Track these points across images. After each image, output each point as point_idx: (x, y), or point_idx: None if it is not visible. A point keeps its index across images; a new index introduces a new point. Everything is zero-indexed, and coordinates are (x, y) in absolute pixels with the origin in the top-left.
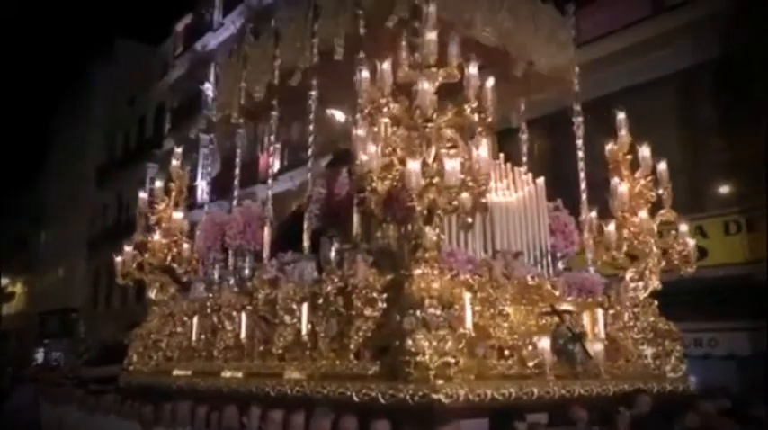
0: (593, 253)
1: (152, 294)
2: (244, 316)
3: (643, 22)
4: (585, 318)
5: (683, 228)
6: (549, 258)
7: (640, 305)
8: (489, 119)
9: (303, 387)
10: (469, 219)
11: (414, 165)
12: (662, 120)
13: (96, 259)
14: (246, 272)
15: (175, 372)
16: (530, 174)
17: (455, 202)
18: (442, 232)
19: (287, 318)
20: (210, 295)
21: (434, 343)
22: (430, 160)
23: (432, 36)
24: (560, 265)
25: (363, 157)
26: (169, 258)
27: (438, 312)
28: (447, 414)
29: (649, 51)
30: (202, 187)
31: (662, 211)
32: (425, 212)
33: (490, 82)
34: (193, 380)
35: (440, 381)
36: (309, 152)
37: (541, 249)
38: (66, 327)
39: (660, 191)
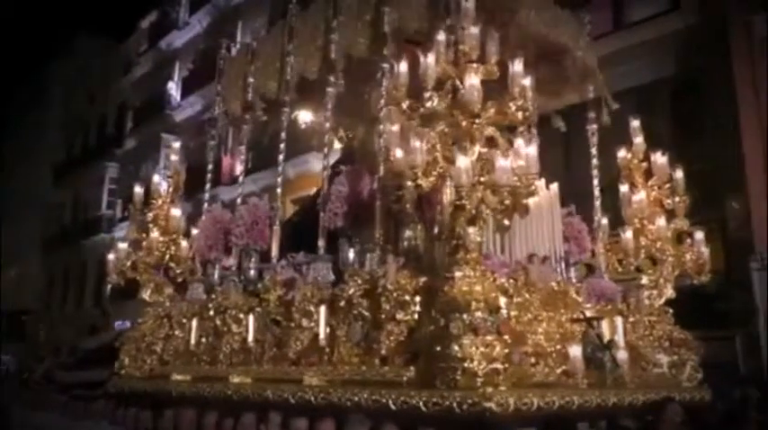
0: (605, 260)
1: (146, 295)
2: (252, 318)
3: (605, 37)
4: (605, 326)
5: (699, 236)
6: (563, 265)
7: (656, 313)
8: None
9: (329, 394)
10: (507, 222)
11: (464, 162)
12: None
13: (51, 260)
14: (252, 272)
15: (174, 377)
16: (542, 180)
17: (507, 201)
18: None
19: (304, 322)
20: (213, 296)
21: (482, 348)
22: (473, 158)
23: (474, 30)
24: (573, 272)
25: (399, 153)
26: (167, 257)
27: (486, 316)
28: (497, 424)
29: (612, 66)
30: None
31: (676, 219)
32: (473, 212)
33: (529, 80)
34: (197, 386)
35: (489, 389)
36: (325, 150)
37: (556, 256)
38: (17, 330)
39: (677, 199)
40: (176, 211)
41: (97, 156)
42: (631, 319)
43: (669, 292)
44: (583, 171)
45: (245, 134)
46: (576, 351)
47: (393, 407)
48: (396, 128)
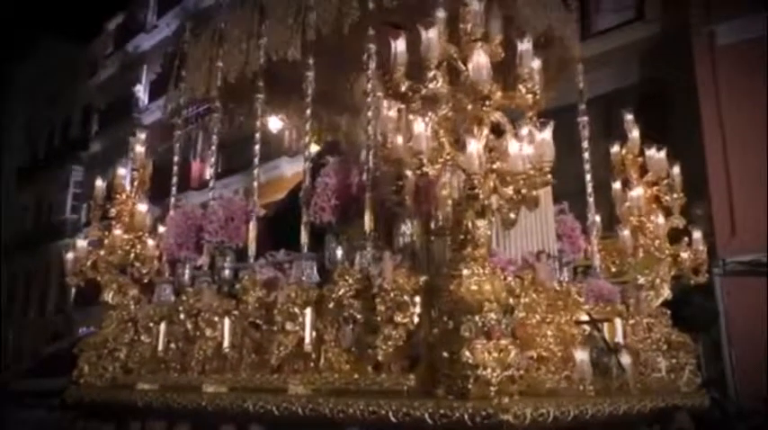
0: (599, 259)
1: (108, 297)
2: (227, 322)
3: None
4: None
5: (697, 234)
6: (557, 265)
7: (653, 315)
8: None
9: (319, 405)
10: (513, 215)
11: (475, 147)
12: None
13: (13, 265)
14: (227, 272)
15: (140, 386)
16: None
17: (524, 191)
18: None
19: (288, 325)
20: (184, 298)
21: (495, 354)
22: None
23: (476, 7)
24: (566, 272)
25: (398, 140)
26: (131, 256)
27: (501, 318)
28: None
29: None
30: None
31: (672, 217)
32: (484, 203)
33: (537, 63)
34: (167, 396)
35: (506, 399)
36: (307, 139)
37: (549, 254)
38: None
39: (675, 196)
40: (142, 207)
41: (62, 159)
42: (631, 322)
43: (666, 293)
44: (572, 167)
45: (215, 124)
46: (582, 355)
47: (393, 419)
48: (393, 113)
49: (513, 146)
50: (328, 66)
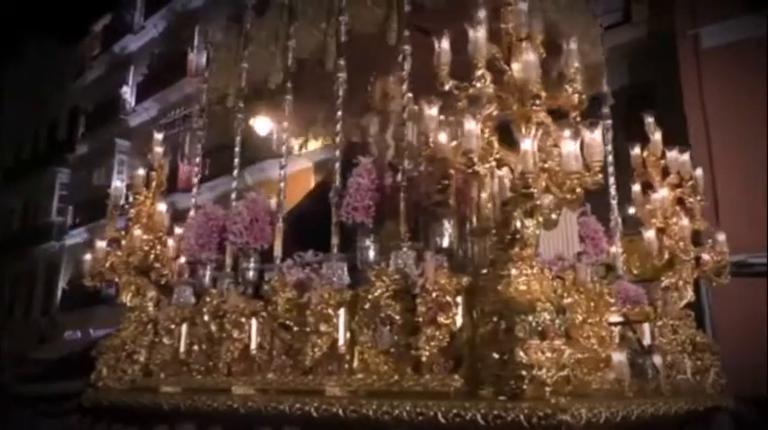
0: (622, 261)
1: (126, 298)
2: (255, 323)
3: None
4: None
5: (721, 237)
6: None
7: (678, 317)
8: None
9: (361, 406)
10: (554, 215)
11: (529, 145)
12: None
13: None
14: (251, 274)
15: (164, 389)
16: None
17: (578, 190)
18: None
19: (322, 326)
20: (208, 300)
21: (549, 354)
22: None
23: (522, 6)
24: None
25: (442, 138)
26: (151, 257)
27: (555, 318)
28: None
29: None
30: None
31: (694, 220)
32: (534, 203)
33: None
34: (195, 399)
35: (563, 399)
36: (337, 139)
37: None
38: None
39: (698, 197)
40: (162, 207)
41: (48, 161)
42: (659, 323)
43: (689, 295)
44: None
45: (239, 125)
46: (620, 356)
47: (443, 420)
48: (434, 111)
49: (567, 145)
50: (349, 67)
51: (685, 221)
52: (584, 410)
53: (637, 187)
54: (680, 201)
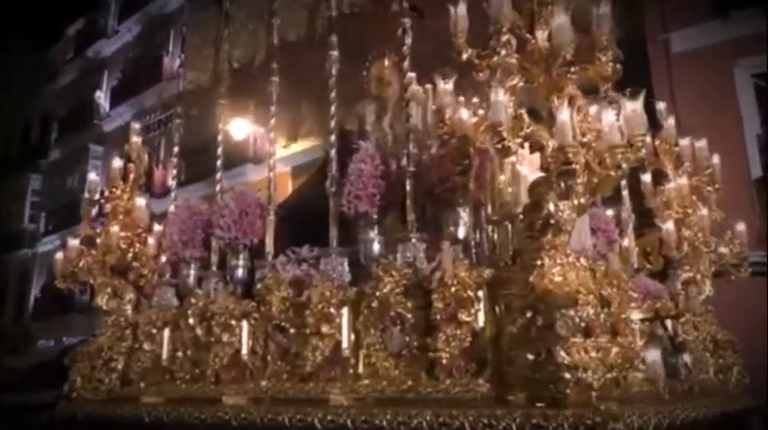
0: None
1: (102, 301)
2: (246, 326)
3: None
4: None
5: (741, 227)
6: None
7: (699, 313)
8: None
9: (373, 416)
10: (584, 200)
11: (567, 116)
12: None
13: None
14: (240, 272)
15: (145, 399)
16: None
17: (623, 165)
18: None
19: (324, 328)
20: (193, 301)
21: (594, 353)
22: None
23: None
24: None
25: (463, 114)
26: (130, 256)
27: (600, 312)
28: None
29: None
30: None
31: (713, 210)
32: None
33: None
34: (180, 410)
35: (614, 406)
36: (332, 123)
37: (583, 249)
38: None
39: (716, 186)
40: (141, 202)
41: (19, 166)
42: (682, 320)
43: (708, 289)
44: None
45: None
46: (654, 355)
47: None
48: (449, 86)
49: (608, 116)
50: (341, 51)
51: (705, 211)
52: (635, 417)
53: (647, 177)
54: (695, 191)
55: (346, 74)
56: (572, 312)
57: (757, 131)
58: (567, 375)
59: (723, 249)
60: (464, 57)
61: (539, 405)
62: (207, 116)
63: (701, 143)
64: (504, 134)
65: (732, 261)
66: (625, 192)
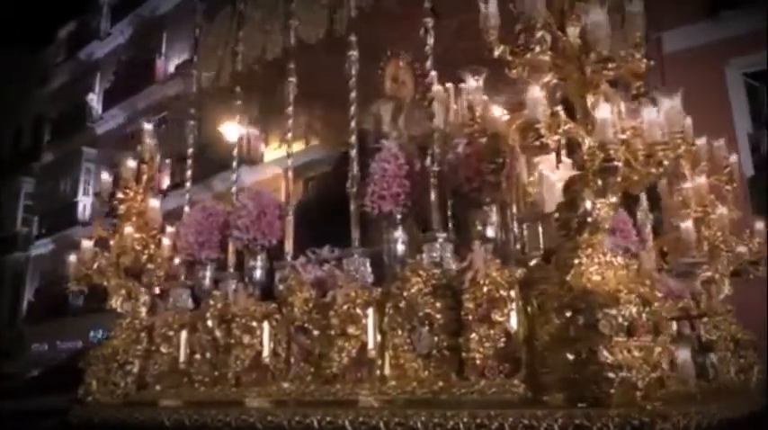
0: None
1: (116, 304)
2: (267, 327)
3: None
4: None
5: (760, 225)
6: None
7: (720, 312)
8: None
9: (408, 418)
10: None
11: (607, 112)
12: None
13: None
14: (259, 273)
15: (164, 403)
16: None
17: (666, 162)
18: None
19: (350, 329)
20: (212, 302)
21: (637, 352)
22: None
23: None
24: None
25: (495, 111)
26: (144, 257)
27: (643, 311)
28: None
29: None
30: (85, 203)
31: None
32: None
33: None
34: (203, 413)
35: (660, 405)
36: (352, 123)
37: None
38: None
39: (735, 185)
40: (155, 203)
41: (12, 169)
42: (704, 319)
43: (727, 288)
44: None
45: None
46: (685, 355)
47: None
48: (478, 83)
49: (649, 112)
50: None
51: (724, 210)
52: (681, 417)
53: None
54: (714, 190)
55: (360, 74)
56: (614, 311)
57: (749, 130)
58: (611, 375)
59: (741, 248)
60: (496, 54)
61: (581, 405)
62: (206, 118)
63: (719, 143)
64: (542, 131)
65: (750, 259)
66: (642, 193)
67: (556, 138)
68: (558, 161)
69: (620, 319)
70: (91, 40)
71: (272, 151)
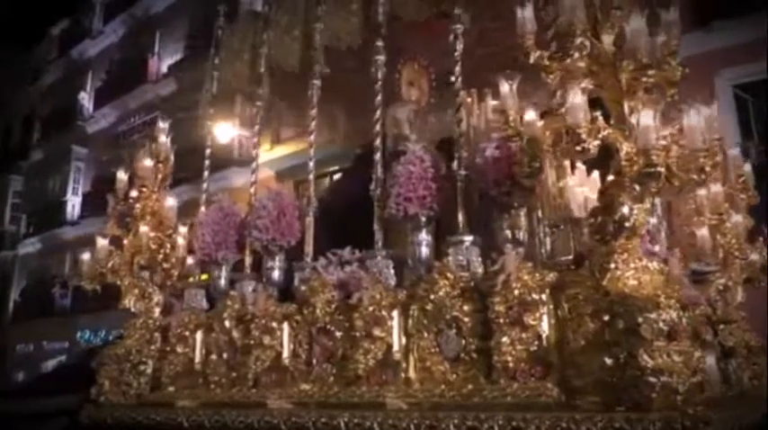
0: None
1: (130, 303)
2: (287, 328)
3: None
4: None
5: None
6: None
7: (735, 319)
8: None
9: (440, 421)
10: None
11: (649, 118)
12: None
13: None
14: (277, 274)
15: (181, 403)
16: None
17: (707, 168)
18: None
19: (376, 331)
20: (229, 303)
21: (677, 357)
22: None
23: None
24: None
25: (531, 115)
26: (160, 257)
27: (683, 316)
28: None
29: None
30: (74, 203)
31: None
32: (656, 184)
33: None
34: (223, 414)
35: (702, 409)
36: (377, 127)
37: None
38: None
39: (750, 193)
40: (171, 202)
41: (0, 167)
42: (721, 326)
43: (740, 295)
44: None
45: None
46: (710, 360)
47: None
48: (509, 87)
49: (692, 118)
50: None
51: (739, 218)
52: (721, 422)
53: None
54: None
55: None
56: (655, 315)
57: (737, 141)
58: (652, 379)
59: (754, 256)
60: (532, 59)
61: (620, 409)
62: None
63: (734, 151)
64: (584, 136)
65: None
66: (657, 199)
67: (595, 143)
68: (573, 167)
69: (661, 324)
70: (83, 39)
71: (264, 152)
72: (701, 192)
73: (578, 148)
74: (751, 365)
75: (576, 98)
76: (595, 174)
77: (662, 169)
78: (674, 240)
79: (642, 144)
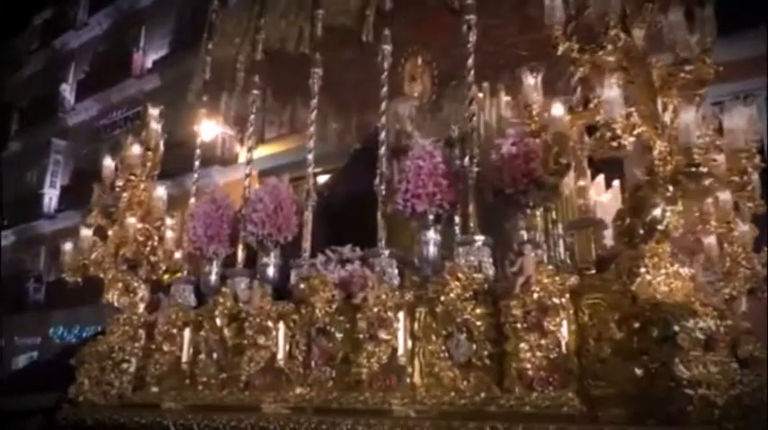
0: None
1: (112, 298)
2: (283, 328)
3: None
4: None
5: None
6: None
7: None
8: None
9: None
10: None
11: (690, 116)
12: None
13: None
14: (271, 270)
15: (167, 405)
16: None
17: (750, 169)
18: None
19: (381, 334)
20: (221, 300)
21: (713, 368)
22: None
23: None
24: None
25: (558, 110)
26: (147, 249)
27: (721, 325)
28: None
29: None
30: (51, 196)
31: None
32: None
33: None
34: (213, 417)
35: (742, 424)
36: (382, 119)
37: None
38: None
39: (757, 202)
40: (160, 192)
41: None
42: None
43: (744, 306)
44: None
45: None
46: None
47: None
48: (532, 80)
49: (732, 119)
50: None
51: (746, 227)
52: None
53: None
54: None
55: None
56: (692, 324)
57: None
58: (689, 391)
59: (759, 266)
60: (560, 50)
61: (650, 422)
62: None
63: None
64: (619, 131)
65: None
66: None
67: (631, 139)
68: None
69: (698, 333)
70: (66, 30)
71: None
72: (708, 200)
73: (614, 144)
74: (756, 376)
75: (612, 92)
76: (600, 178)
77: (704, 169)
78: (675, 247)
79: (684, 142)
